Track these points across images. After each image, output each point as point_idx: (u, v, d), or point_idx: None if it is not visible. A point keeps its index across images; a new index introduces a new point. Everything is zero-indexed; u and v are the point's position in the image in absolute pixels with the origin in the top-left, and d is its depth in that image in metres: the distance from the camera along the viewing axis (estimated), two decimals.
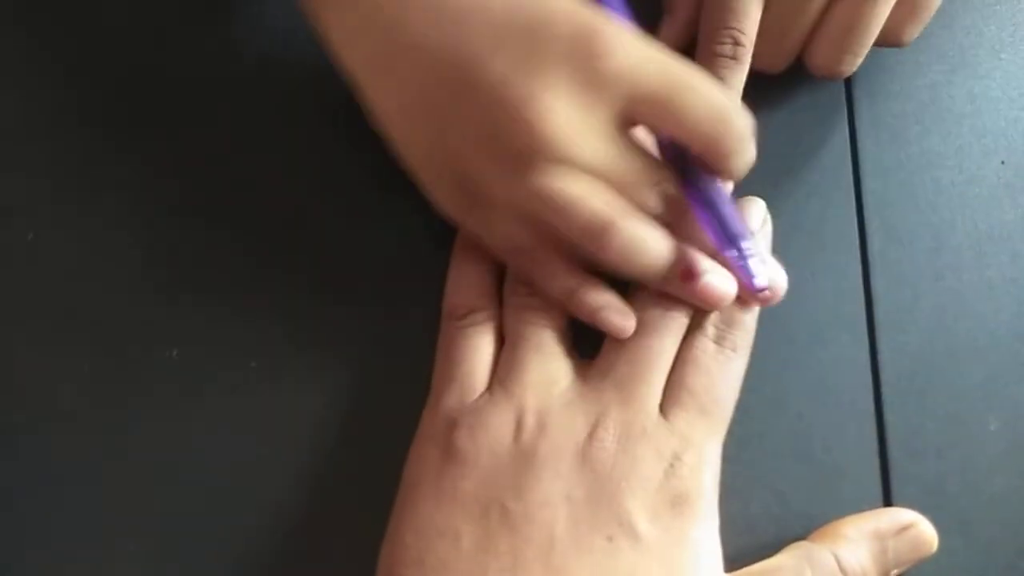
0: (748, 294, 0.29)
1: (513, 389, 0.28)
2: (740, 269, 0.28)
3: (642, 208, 0.28)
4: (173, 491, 0.29)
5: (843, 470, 0.30)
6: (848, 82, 0.34)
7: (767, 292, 0.28)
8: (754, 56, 0.31)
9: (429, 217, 0.30)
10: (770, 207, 0.31)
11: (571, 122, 0.26)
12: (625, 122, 0.27)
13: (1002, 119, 0.34)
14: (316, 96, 0.34)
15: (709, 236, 0.28)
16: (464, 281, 0.30)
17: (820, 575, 0.27)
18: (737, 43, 0.31)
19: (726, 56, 0.31)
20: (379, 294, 0.31)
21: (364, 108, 0.29)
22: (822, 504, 0.29)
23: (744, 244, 0.28)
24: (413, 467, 0.28)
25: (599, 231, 0.27)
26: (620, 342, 0.29)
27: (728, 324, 0.29)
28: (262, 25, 0.35)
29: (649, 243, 0.27)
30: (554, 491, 0.26)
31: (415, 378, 0.30)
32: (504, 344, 0.30)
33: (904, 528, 0.28)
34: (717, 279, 0.28)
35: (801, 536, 0.29)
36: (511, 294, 0.30)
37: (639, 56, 0.26)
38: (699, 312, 0.29)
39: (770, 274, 0.29)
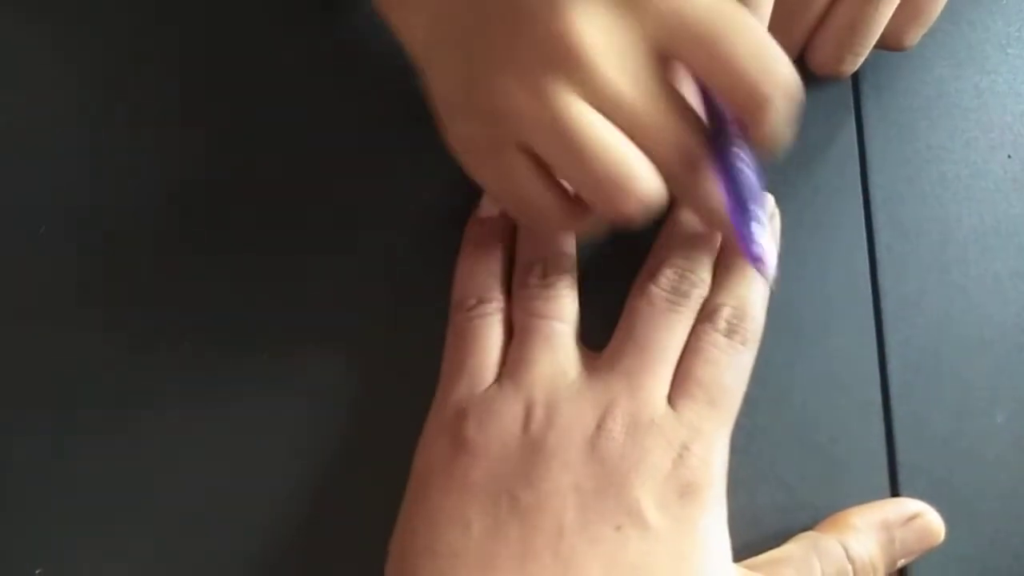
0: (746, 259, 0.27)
1: (522, 380, 0.28)
2: (743, 233, 0.27)
3: (654, 153, 0.26)
4: (183, 483, 0.30)
5: (850, 462, 0.30)
6: (855, 77, 0.34)
7: (762, 265, 0.27)
8: None
9: (438, 208, 0.30)
10: (778, 201, 0.31)
11: (605, 38, 0.25)
12: (662, 57, 0.26)
13: (1008, 113, 0.34)
14: (322, 95, 0.34)
15: (723, 196, 0.27)
16: (473, 272, 0.31)
17: (828, 565, 0.27)
18: None
19: None
20: (388, 285, 0.32)
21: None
22: (829, 496, 0.29)
23: (754, 208, 0.26)
24: (423, 457, 0.28)
25: (615, 188, 0.25)
26: (629, 333, 0.29)
27: (739, 318, 0.29)
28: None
29: (653, 196, 0.26)
30: (563, 481, 0.27)
31: (424, 369, 0.30)
32: (513, 335, 0.30)
33: (911, 518, 0.28)
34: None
35: (808, 527, 0.29)
36: (520, 285, 0.30)
37: None
38: (710, 304, 0.29)
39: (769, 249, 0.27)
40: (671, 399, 0.28)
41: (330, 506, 0.29)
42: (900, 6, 0.31)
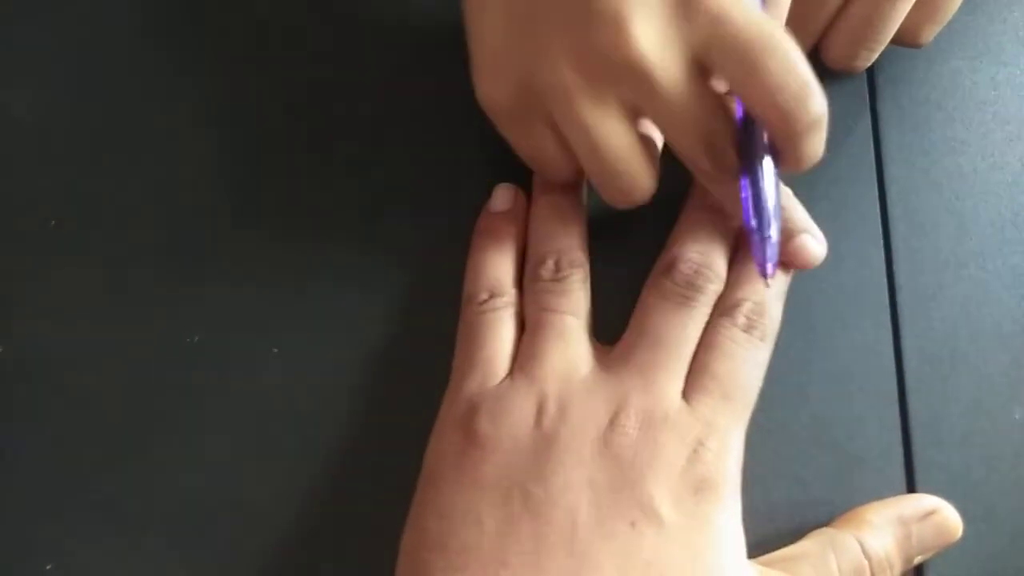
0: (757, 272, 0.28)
1: (534, 375, 0.28)
2: (759, 250, 0.28)
3: (685, 154, 0.28)
4: (195, 476, 0.30)
5: (866, 458, 0.30)
6: (871, 70, 0.34)
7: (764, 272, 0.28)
8: None
9: (450, 201, 0.30)
10: (793, 194, 0.31)
11: (659, 41, 0.26)
12: (700, 66, 0.26)
13: None
14: (330, 94, 0.34)
15: (743, 206, 0.28)
16: (485, 266, 0.30)
17: (844, 560, 0.27)
18: None
19: None
20: (400, 279, 0.32)
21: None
22: (845, 492, 0.29)
23: (771, 228, 0.27)
24: (435, 452, 0.28)
25: (616, 190, 0.28)
26: (642, 328, 0.29)
27: (759, 314, 0.29)
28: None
29: (647, 198, 0.29)
30: (576, 476, 0.26)
31: (436, 363, 0.30)
32: (525, 329, 0.30)
33: (928, 514, 0.28)
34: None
35: (824, 523, 0.29)
36: (532, 279, 0.30)
37: (733, 1, 0.26)
38: (729, 299, 0.29)
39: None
40: (685, 394, 0.28)
41: (341, 501, 0.29)
42: (917, 4, 0.30)
